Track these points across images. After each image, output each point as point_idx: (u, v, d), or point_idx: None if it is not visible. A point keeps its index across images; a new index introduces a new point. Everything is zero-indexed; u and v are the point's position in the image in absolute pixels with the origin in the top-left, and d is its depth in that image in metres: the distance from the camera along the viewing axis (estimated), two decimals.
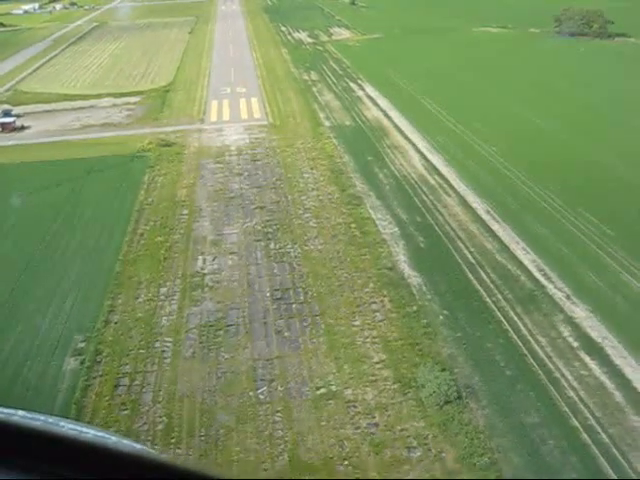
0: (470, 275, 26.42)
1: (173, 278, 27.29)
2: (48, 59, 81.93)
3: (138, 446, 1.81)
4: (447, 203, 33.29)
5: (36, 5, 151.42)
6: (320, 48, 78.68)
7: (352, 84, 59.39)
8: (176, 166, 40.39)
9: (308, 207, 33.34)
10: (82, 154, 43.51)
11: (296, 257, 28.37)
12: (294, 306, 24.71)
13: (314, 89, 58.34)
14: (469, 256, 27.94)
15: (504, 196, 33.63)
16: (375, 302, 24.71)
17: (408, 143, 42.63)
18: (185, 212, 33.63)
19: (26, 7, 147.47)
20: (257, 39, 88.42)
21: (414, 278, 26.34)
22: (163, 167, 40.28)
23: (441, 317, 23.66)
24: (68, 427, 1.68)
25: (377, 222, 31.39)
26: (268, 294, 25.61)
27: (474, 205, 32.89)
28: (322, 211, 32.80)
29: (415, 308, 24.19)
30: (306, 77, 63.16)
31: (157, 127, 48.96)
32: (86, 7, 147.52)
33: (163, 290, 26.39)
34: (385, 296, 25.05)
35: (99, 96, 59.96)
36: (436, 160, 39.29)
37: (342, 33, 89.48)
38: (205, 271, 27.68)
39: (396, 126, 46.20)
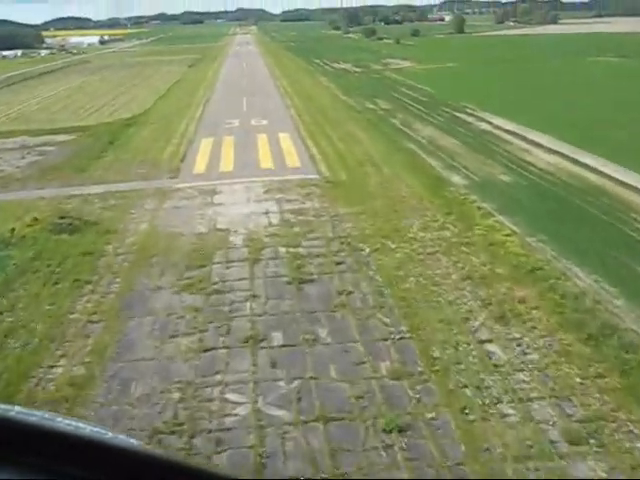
0: None
1: None
2: None
3: (134, 442, 1.62)
4: None
5: (18, 52, 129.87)
6: (376, 76, 52.85)
7: (459, 114, 32.78)
8: (61, 298, 13.18)
9: None
10: None
11: None
12: None
13: (393, 120, 31.66)
14: None
15: None
16: None
17: None
18: None
19: (6, 53, 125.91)
20: (280, 69, 63.12)
21: None
22: (20, 302, 13.12)
23: None
24: (64, 423, 1.55)
25: None
26: None
27: None
28: None
29: None
30: (371, 105, 36.62)
31: (74, 185, 22.07)
32: (74, 51, 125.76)
33: None
34: None
35: (5, 134, 33.69)
36: None
37: (400, 63, 63.95)
38: None
39: (629, 186, 19.11)
